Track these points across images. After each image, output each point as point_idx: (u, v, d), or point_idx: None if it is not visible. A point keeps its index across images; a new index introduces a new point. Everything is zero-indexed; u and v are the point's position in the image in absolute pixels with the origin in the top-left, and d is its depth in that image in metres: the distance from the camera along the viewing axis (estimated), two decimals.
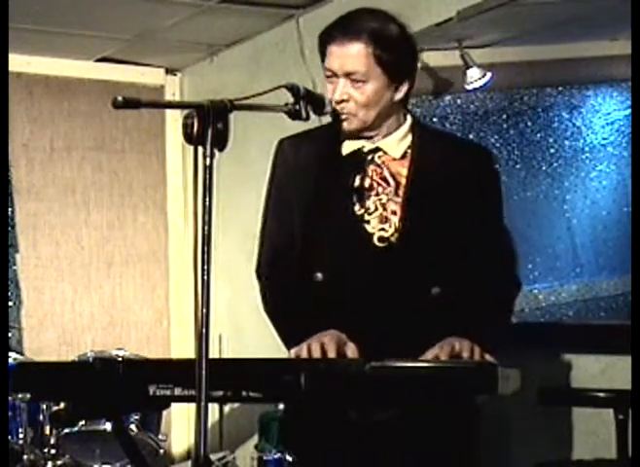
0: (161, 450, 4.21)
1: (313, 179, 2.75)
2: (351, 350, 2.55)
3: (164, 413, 4.37)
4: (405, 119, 2.79)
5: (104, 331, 5.55)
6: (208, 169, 2.14)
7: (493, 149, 4.60)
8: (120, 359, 3.80)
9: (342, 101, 2.67)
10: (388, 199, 2.72)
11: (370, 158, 2.75)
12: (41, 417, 4.15)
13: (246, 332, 4.94)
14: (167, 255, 5.73)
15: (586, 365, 3.70)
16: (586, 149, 4.67)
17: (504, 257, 2.81)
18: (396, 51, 2.69)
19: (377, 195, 2.72)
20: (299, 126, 2.70)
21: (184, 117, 2.21)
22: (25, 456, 4.09)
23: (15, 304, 5.37)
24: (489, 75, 4.26)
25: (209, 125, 2.18)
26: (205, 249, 2.12)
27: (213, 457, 4.22)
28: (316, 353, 2.53)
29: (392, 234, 2.70)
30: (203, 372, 2.06)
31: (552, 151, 4.66)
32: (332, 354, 2.52)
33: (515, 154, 4.66)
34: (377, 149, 2.75)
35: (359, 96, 2.67)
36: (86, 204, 5.58)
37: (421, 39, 4.10)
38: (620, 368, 3.49)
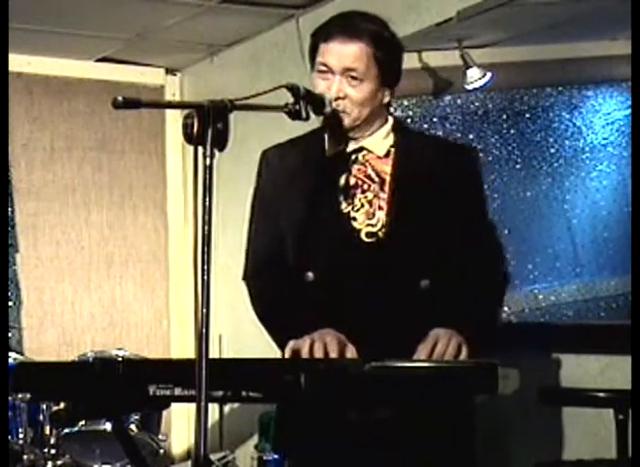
0: (161, 450, 4.21)
1: (300, 182, 2.79)
2: (351, 352, 2.56)
3: (164, 413, 4.36)
4: (386, 120, 2.83)
5: (104, 331, 5.55)
6: (208, 169, 2.14)
7: (493, 149, 4.61)
8: (120, 359, 3.82)
9: (338, 98, 2.69)
10: (374, 196, 2.75)
11: (354, 157, 2.79)
12: (41, 417, 4.15)
13: (246, 332, 4.94)
14: (167, 255, 5.74)
15: (587, 365, 3.70)
16: (587, 149, 4.67)
17: (490, 248, 2.84)
18: (392, 55, 2.75)
19: (363, 192, 2.76)
20: (299, 126, 2.70)
21: (184, 117, 2.22)
22: (25, 456, 4.09)
23: (15, 304, 5.37)
24: (489, 75, 4.26)
25: (209, 125, 2.18)
26: (205, 249, 2.12)
27: (213, 457, 4.22)
28: (319, 353, 2.54)
29: (380, 229, 2.73)
30: (203, 372, 2.06)
31: (552, 151, 4.66)
32: (334, 354, 2.53)
33: (515, 154, 4.66)
34: (361, 148, 2.79)
35: (355, 94, 2.69)
36: (86, 204, 5.58)
37: (421, 39, 4.13)
38: (620, 368, 3.49)
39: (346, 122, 2.72)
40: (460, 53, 4.25)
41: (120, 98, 2.20)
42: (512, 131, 4.66)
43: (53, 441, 4.14)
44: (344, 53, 2.68)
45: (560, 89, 4.66)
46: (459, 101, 4.62)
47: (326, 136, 2.81)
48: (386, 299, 2.69)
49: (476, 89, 4.33)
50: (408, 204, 2.73)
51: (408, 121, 4.49)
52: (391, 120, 2.84)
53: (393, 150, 2.79)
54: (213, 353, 2.09)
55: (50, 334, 5.43)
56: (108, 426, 3.92)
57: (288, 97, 2.50)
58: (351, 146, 2.79)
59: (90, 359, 4.09)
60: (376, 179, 2.76)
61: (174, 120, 5.61)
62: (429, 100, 4.57)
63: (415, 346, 2.57)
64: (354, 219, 2.74)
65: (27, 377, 2.46)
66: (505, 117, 4.66)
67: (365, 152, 2.78)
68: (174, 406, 2.60)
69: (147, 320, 5.67)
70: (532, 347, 3.79)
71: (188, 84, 5.78)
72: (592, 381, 3.63)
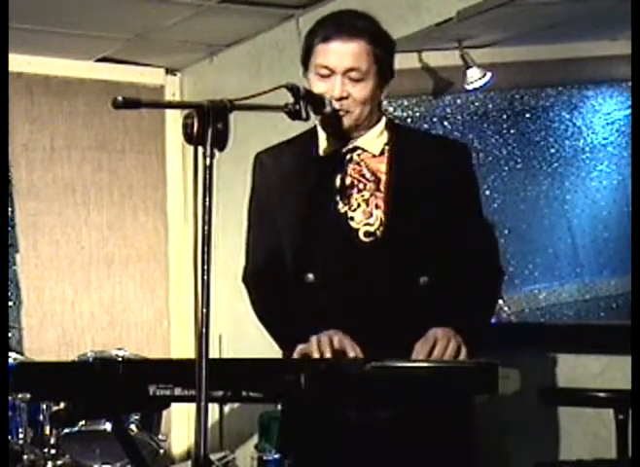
0: (161, 450, 4.21)
1: (295, 184, 2.80)
2: (358, 351, 2.57)
3: (164, 413, 4.36)
4: (379, 119, 2.82)
5: (104, 331, 5.55)
6: (208, 169, 2.14)
7: (493, 149, 4.60)
8: (120, 359, 3.82)
9: (342, 98, 2.68)
10: (370, 195, 2.75)
11: (348, 157, 2.79)
12: (41, 417, 4.15)
13: (246, 332, 4.94)
14: (167, 255, 5.74)
15: (587, 365, 3.70)
16: (587, 149, 4.66)
17: (486, 243, 2.86)
18: (389, 53, 2.76)
19: (359, 191, 2.76)
20: (299, 126, 2.70)
21: (184, 117, 2.22)
22: (25, 456, 4.09)
23: (15, 304, 5.37)
24: (489, 75, 4.27)
25: (209, 125, 2.18)
26: (205, 249, 2.12)
27: (213, 457, 4.22)
28: (327, 353, 2.55)
29: (377, 228, 2.73)
30: (203, 372, 2.06)
31: (552, 151, 4.66)
32: (350, 350, 2.54)
33: (515, 154, 4.66)
34: (355, 148, 2.79)
35: (358, 93, 2.70)
36: (86, 204, 5.58)
37: (421, 39, 4.13)
38: (620, 368, 3.48)
39: (348, 121, 2.72)
40: (460, 53, 4.25)
41: (120, 98, 2.20)
42: (512, 131, 4.66)
43: (53, 441, 4.14)
44: (345, 52, 2.68)
45: (560, 89, 4.65)
46: (459, 101, 4.62)
47: (322, 137, 2.80)
48: (387, 297, 2.70)
49: (476, 89, 4.33)
50: (405, 202, 2.74)
51: (409, 121, 4.49)
52: (384, 119, 2.84)
53: (387, 148, 2.80)
54: (213, 353, 2.09)
55: (50, 334, 5.43)
56: (108, 426, 3.92)
57: (288, 97, 2.50)
58: (346, 146, 2.79)
59: (90, 359, 4.09)
60: (372, 178, 2.76)
61: (174, 120, 5.62)
62: (429, 100, 4.56)
63: (415, 341, 2.58)
64: (352, 219, 2.74)
65: (27, 376, 2.46)
66: (505, 117, 4.66)
67: (359, 151, 2.79)
68: (174, 406, 2.60)
69: (147, 320, 5.67)
70: (532, 347, 3.79)
71: (188, 84, 5.78)
72: (592, 381, 3.62)
